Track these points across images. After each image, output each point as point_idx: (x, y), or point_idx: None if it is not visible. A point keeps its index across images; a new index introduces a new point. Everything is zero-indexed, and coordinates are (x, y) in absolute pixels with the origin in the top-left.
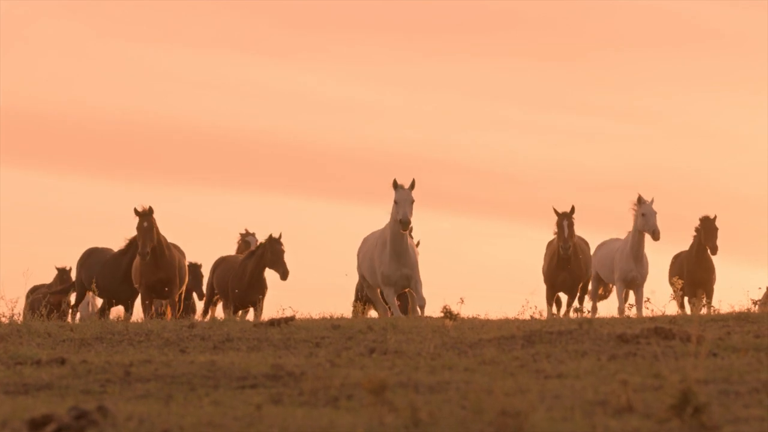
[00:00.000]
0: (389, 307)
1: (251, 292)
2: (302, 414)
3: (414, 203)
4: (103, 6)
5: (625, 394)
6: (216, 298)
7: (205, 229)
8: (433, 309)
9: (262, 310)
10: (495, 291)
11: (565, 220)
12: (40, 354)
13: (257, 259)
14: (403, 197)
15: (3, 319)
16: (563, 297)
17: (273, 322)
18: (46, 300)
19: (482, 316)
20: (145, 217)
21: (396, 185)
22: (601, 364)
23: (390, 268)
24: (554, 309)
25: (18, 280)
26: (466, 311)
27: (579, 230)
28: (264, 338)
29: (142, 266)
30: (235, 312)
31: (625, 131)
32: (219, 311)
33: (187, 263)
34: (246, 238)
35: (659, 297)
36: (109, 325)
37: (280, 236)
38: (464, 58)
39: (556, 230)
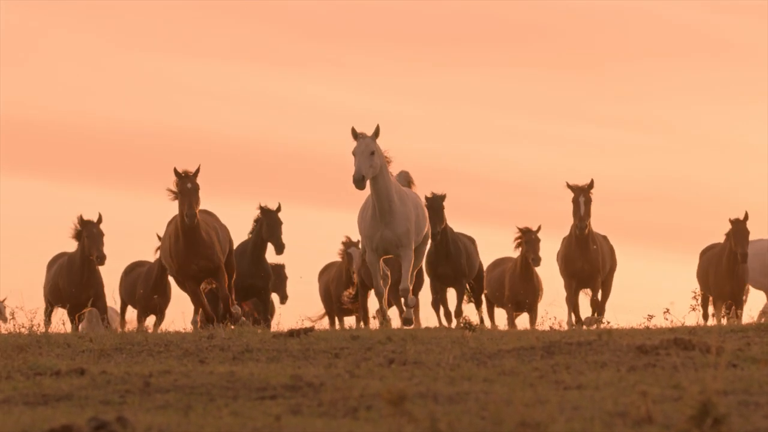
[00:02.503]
0: (382, 280)
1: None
2: (322, 425)
3: (376, 154)
4: (116, 17)
5: (645, 405)
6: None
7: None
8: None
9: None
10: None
11: (581, 195)
12: (60, 364)
13: None
14: (359, 149)
15: (22, 330)
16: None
17: (292, 333)
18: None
19: (502, 327)
20: (188, 178)
21: (355, 134)
22: (621, 375)
23: (371, 228)
24: (573, 318)
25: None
26: (485, 322)
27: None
28: (283, 349)
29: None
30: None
31: (639, 142)
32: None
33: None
34: (348, 250)
35: (678, 308)
36: (129, 336)
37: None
38: (478, 68)
39: (572, 208)
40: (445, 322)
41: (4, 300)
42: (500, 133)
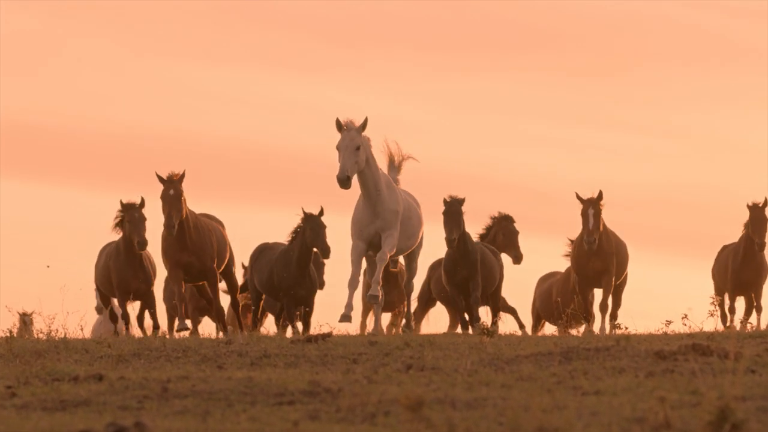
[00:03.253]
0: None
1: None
2: (339, 430)
3: (362, 149)
4: (137, 24)
5: (663, 411)
6: None
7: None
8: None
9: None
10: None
11: (590, 208)
12: (78, 370)
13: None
14: (344, 143)
15: (41, 336)
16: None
17: (310, 339)
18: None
19: (520, 333)
20: (171, 184)
21: (340, 126)
22: (639, 380)
23: (363, 218)
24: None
25: (55, 296)
26: (503, 327)
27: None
28: (301, 354)
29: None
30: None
31: (656, 147)
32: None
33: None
34: None
35: (696, 313)
36: (147, 342)
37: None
38: (497, 74)
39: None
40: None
41: (31, 313)
42: (518, 138)
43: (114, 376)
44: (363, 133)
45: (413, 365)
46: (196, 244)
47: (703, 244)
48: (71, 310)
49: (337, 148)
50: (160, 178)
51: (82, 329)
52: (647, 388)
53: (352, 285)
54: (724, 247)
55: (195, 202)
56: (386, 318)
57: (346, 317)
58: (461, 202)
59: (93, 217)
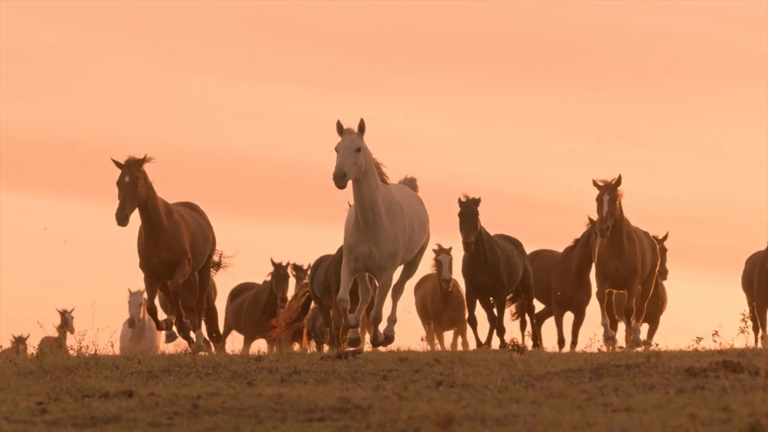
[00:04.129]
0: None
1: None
2: None
3: (362, 153)
4: (167, 41)
5: (694, 427)
6: None
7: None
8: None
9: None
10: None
11: (605, 193)
12: (108, 386)
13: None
14: (344, 144)
15: (71, 352)
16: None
17: (340, 355)
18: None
19: (550, 349)
20: (127, 170)
21: (341, 129)
22: (669, 397)
23: (352, 238)
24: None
25: (86, 312)
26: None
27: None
28: (331, 371)
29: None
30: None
31: (688, 164)
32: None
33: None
34: (438, 257)
35: (727, 330)
36: (177, 358)
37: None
38: (528, 91)
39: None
40: (482, 338)
41: (72, 310)
42: (549, 154)
43: (144, 392)
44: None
45: (443, 382)
46: (168, 238)
47: (734, 261)
48: (101, 326)
49: (336, 149)
50: (117, 163)
51: (112, 345)
52: (678, 405)
53: (343, 303)
54: (751, 256)
55: (226, 217)
56: (448, 336)
57: (354, 340)
58: (477, 202)
59: (123, 232)
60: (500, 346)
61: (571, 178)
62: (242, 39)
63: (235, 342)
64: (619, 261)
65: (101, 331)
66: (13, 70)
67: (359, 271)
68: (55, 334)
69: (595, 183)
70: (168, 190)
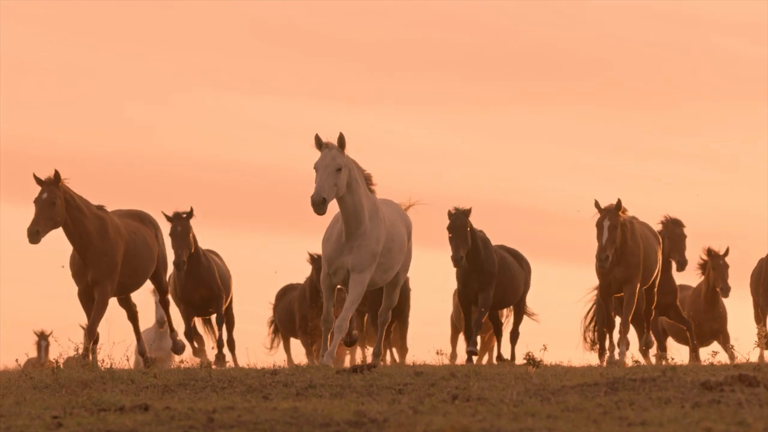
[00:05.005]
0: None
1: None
2: None
3: (344, 171)
4: (186, 55)
5: None
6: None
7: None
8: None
9: None
10: (578, 338)
11: (606, 218)
12: (124, 400)
13: None
14: (323, 162)
15: (86, 366)
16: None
17: (356, 369)
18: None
19: (565, 363)
20: (45, 187)
21: (320, 143)
22: (685, 411)
23: (333, 251)
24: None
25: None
26: (549, 358)
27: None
28: (347, 385)
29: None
30: None
31: (704, 178)
32: None
33: None
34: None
35: (742, 344)
36: (192, 372)
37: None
38: (546, 105)
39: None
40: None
41: (50, 334)
42: (567, 168)
43: (160, 406)
44: (347, 154)
45: (459, 396)
46: (97, 260)
47: (749, 275)
48: (117, 340)
49: (315, 167)
50: (37, 180)
51: (128, 359)
52: (693, 419)
53: (327, 322)
54: (761, 261)
55: (243, 230)
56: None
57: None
58: (467, 213)
59: None
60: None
61: (583, 191)
62: (256, 53)
63: (251, 356)
64: (623, 267)
65: (117, 345)
66: (26, 82)
67: (338, 283)
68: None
69: (597, 205)
70: (179, 202)
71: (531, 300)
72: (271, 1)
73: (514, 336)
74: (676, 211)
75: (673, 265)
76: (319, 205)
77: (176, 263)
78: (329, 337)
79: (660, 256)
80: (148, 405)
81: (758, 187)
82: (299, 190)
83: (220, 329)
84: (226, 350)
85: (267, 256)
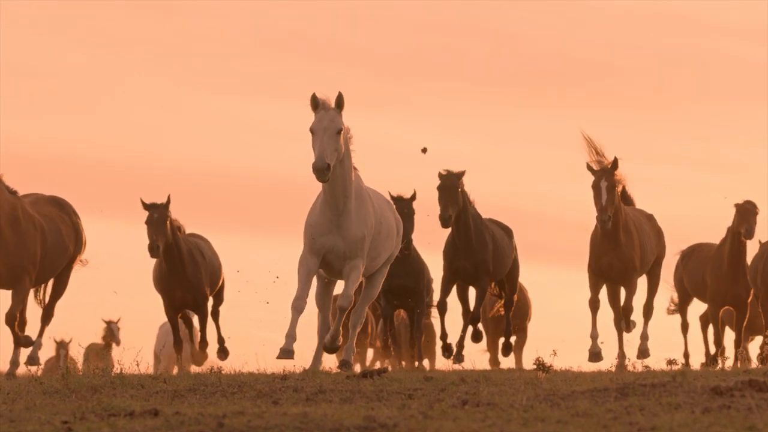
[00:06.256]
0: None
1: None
2: None
3: (343, 135)
4: (192, 60)
5: None
6: None
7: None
8: (526, 360)
9: None
10: (588, 343)
11: (602, 179)
12: (134, 405)
13: None
14: (323, 125)
15: (96, 371)
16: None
17: (365, 374)
18: None
19: (575, 368)
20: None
21: (316, 103)
22: (695, 416)
23: (317, 227)
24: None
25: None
26: (559, 363)
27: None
28: (356, 390)
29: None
30: None
31: (713, 183)
32: None
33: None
34: None
35: (753, 349)
36: (202, 377)
37: None
38: (552, 109)
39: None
40: (447, 345)
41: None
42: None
43: (170, 411)
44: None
45: (469, 401)
46: (9, 252)
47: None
48: (127, 346)
49: (312, 130)
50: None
51: (137, 364)
52: (703, 424)
53: (297, 308)
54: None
55: (253, 235)
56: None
57: (286, 352)
58: (459, 175)
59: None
60: (472, 335)
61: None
62: (268, 59)
63: (260, 361)
64: (614, 255)
65: (126, 351)
66: (38, 89)
67: (318, 269)
68: (101, 342)
69: (589, 167)
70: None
71: (537, 304)
72: (278, 6)
73: (508, 306)
74: (684, 216)
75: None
76: (323, 172)
77: (150, 247)
78: (293, 323)
79: (662, 240)
80: (158, 410)
81: (762, 191)
82: (307, 196)
83: (203, 328)
84: (211, 346)
85: (275, 260)
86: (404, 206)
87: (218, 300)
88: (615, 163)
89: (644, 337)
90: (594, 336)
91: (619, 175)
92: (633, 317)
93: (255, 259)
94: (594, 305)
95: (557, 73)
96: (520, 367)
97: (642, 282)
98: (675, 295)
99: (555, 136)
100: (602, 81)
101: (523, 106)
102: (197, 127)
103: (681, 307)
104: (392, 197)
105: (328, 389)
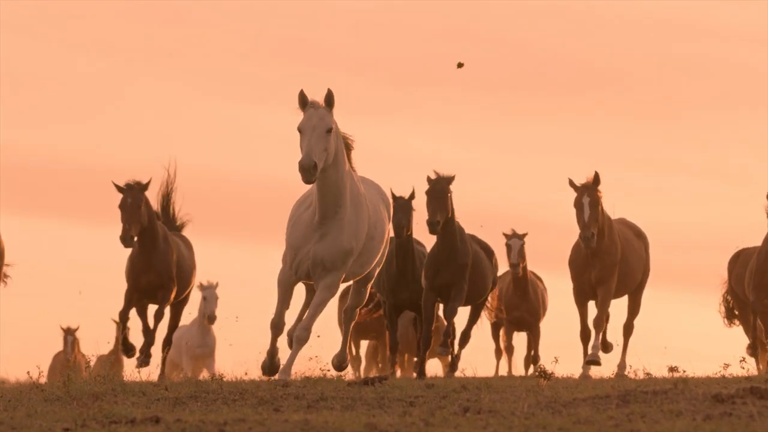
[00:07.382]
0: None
1: None
2: None
3: (334, 135)
4: (199, 66)
5: None
6: None
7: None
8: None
9: None
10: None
11: (584, 195)
12: (135, 413)
13: None
14: (311, 123)
15: (98, 378)
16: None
17: (367, 381)
18: None
19: (577, 376)
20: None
21: (304, 101)
22: (697, 424)
23: (301, 236)
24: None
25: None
26: (560, 370)
27: (673, 286)
28: (358, 397)
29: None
30: None
31: (718, 191)
32: None
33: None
34: None
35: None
36: (204, 384)
37: None
38: (560, 117)
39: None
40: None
41: (76, 329)
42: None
43: (171, 418)
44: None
45: (470, 408)
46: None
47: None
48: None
49: (300, 129)
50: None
51: (139, 372)
52: None
53: (275, 327)
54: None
55: (260, 242)
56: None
57: (268, 369)
58: (449, 180)
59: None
60: (460, 340)
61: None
62: (276, 66)
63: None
64: (600, 267)
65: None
66: (43, 97)
67: (299, 279)
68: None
69: (571, 183)
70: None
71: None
72: (285, 14)
73: (464, 339)
74: (686, 223)
75: None
76: (309, 171)
77: (122, 237)
78: (273, 341)
79: (648, 257)
80: (159, 417)
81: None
82: None
83: (156, 322)
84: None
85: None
86: (404, 205)
87: (181, 301)
88: (597, 179)
89: (623, 354)
90: (596, 345)
91: (600, 193)
92: (611, 338)
93: (264, 265)
94: (585, 336)
95: (565, 81)
96: (537, 359)
97: (623, 303)
98: (722, 308)
99: (563, 144)
100: (609, 89)
101: (532, 113)
102: (204, 134)
103: (743, 317)
104: (393, 197)
105: (329, 396)
